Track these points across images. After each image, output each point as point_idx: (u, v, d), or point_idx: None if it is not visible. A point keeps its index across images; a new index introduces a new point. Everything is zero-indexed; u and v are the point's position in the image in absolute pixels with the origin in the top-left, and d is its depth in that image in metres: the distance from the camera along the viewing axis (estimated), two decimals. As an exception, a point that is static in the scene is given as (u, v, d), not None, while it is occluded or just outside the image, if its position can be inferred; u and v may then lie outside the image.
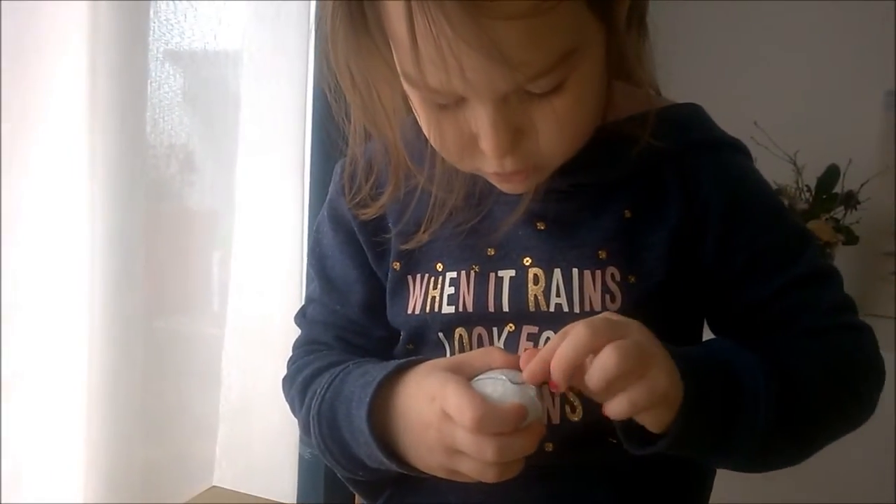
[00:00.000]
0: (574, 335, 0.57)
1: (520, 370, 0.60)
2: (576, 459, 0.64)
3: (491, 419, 0.57)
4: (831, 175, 1.77)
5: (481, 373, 0.63)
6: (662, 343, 0.61)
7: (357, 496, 0.98)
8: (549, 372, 0.58)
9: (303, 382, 0.77)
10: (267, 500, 0.78)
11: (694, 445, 0.64)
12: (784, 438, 0.65)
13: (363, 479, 0.74)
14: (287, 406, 1.44)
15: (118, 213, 1.16)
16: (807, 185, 1.79)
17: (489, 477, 0.60)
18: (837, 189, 1.77)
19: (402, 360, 0.68)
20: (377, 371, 0.68)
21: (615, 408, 0.58)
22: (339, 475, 0.76)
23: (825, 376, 0.67)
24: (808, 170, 1.78)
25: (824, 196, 1.78)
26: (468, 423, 0.57)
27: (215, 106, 1.41)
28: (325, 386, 0.72)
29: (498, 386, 0.60)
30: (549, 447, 0.68)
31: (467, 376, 0.62)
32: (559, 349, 0.57)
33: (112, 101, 1.08)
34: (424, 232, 0.73)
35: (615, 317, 0.61)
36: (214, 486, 0.79)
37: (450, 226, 0.73)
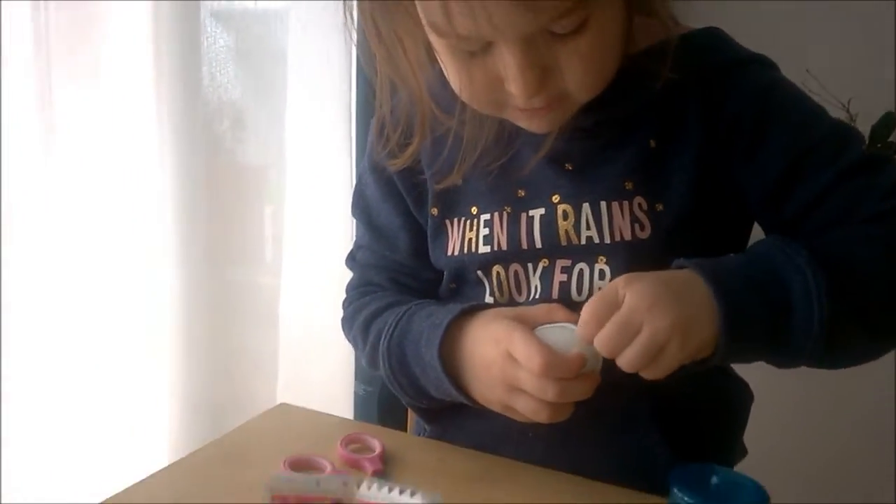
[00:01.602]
0: (598, 341, 0.62)
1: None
2: (615, 376, 0.67)
3: (556, 366, 0.63)
4: (886, 122, 1.72)
5: (542, 325, 0.68)
6: (702, 269, 0.63)
7: (408, 427, 1.03)
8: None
9: (364, 322, 0.82)
10: (333, 415, 0.84)
11: (748, 355, 0.67)
12: (852, 330, 0.65)
13: (426, 407, 0.80)
14: (341, 347, 1.53)
15: (182, 169, 1.26)
16: (861, 133, 1.74)
17: (542, 417, 0.67)
18: (893, 137, 1.73)
19: (466, 305, 0.73)
20: (443, 314, 0.73)
21: (623, 365, 0.62)
22: (403, 402, 0.82)
23: (890, 259, 0.65)
24: (863, 118, 1.73)
25: (879, 144, 1.73)
26: (536, 368, 0.63)
27: (264, 62, 1.46)
28: (392, 325, 0.77)
29: (564, 334, 0.66)
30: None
31: (530, 326, 0.67)
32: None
33: (172, 55, 1.15)
34: (457, 172, 0.76)
35: (638, 301, 0.61)
36: (283, 403, 0.85)
37: (480, 166, 0.76)
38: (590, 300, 0.64)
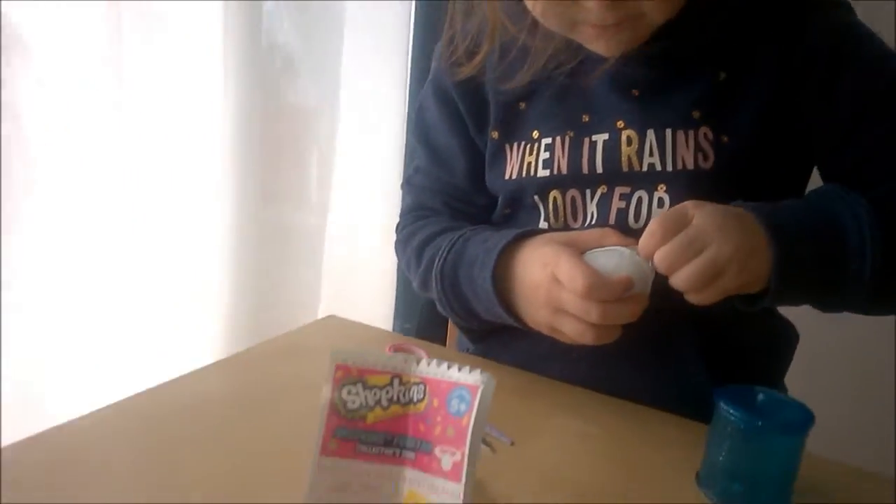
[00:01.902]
0: (659, 256, 0.63)
1: (635, 249, 0.66)
2: (662, 306, 0.68)
3: (599, 288, 0.64)
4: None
5: (593, 249, 0.69)
6: (758, 212, 0.64)
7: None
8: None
9: (419, 245, 0.84)
10: (380, 328, 0.87)
11: (795, 300, 0.69)
12: None
13: (475, 328, 0.82)
14: (381, 285, 1.56)
15: (240, 109, 1.30)
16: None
17: (587, 339, 0.68)
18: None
19: (520, 230, 0.74)
20: (498, 238, 0.75)
21: (690, 300, 0.63)
22: (453, 322, 0.85)
23: None
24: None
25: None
26: (579, 289, 0.65)
27: (322, 4, 1.48)
28: (447, 249, 0.79)
29: (613, 257, 0.66)
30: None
31: (579, 250, 0.68)
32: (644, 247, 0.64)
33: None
34: (524, 75, 0.76)
35: (705, 223, 0.62)
36: (332, 315, 0.88)
37: (547, 71, 0.76)
38: (659, 215, 0.65)
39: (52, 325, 1.09)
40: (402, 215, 0.92)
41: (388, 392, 0.49)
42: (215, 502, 0.54)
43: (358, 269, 1.59)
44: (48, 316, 1.09)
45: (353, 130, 1.59)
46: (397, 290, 1.64)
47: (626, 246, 0.67)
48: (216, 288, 1.38)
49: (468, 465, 0.45)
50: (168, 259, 1.28)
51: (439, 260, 0.79)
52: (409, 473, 0.48)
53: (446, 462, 0.46)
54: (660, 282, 0.66)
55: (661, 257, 0.62)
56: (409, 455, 0.49)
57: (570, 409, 0.73)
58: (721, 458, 0.60)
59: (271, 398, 0.70)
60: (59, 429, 0.61)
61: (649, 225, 0.64)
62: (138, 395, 0.68)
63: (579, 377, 0.76)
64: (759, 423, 0.58)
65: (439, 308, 0.83)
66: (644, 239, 0.64)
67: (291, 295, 1.51)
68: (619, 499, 0.60)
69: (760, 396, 0.60)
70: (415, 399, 0.49)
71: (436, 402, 0.48)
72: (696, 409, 0.71)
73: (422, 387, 0.49)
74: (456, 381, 0.48)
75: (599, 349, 0.70)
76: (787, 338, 0.83)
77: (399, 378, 0.50)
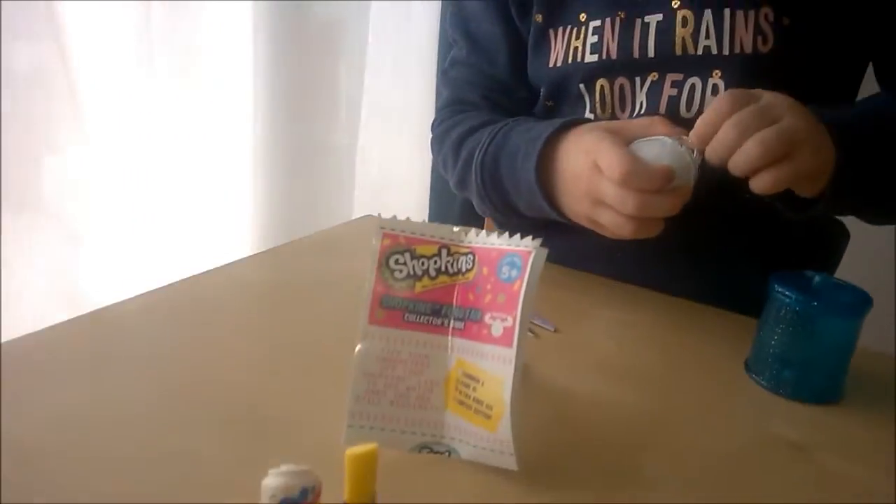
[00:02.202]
0: (722, 132, 0.57)
1: (681, 138, 0.61)
2: (710, 206, 0.65)
3: (637, 175, 0.59)
4: None
5: (640, 138, 0.64)
6: (817, 115, 0.60)
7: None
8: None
9: (457, 139, 0.81)
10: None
11: (848, 208, 0.66)
12: None
13: (514, 226, 0.79)
14: (417, 192, 1.54)
15: (270, 25, 1.28)
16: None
17: (626, 232, 0.63)
18: None
19: (566, 119, 0.69)
20: (542, 128, 0.70)
21: (757, 184, 0.58)
22: (492, 218, 0.82)
23: None
24: None
25: None
26: (616, 176, 0.60)
27: None
28: (488, 140, 0.75)
29: (655, 146, 0.62)
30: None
31: (625, 140, 0.63)
32: (703, 130, 0.59)
33: None
34: None
35: (776, 100, 0.59)
36: (368, 215, 0.87)
37: None
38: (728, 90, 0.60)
39: (91, 229, 1.10)
40: (438, 111, 0.89)
41: (435, 262, 0.48)
42: (255, 385, 0.54)
43: (391, 186, 1.58)
44: (88, 223, 1.10)
45: (382, 42, 1.55)
46: (430, 204, 1.63)
47: (674, 136, 0.63)
48: (248, 209, 1.38)
49: (520, 329, 0.44)
50: (197, 180, 1.29)
51: (479, 152, 0.76)
52: (458, 343, 0.48)
53: (497, 328, 0.45)
54: (712, 176, 0.63)
55: (732, 123, 0.56)
56: (458, 325, 0.48)
57: (615, 302, 0.72)
58: (773, 343, 0.58)
59: (310, 289, 0.70)
60: (93, 314, 0.61)
61: (719, 96, 0.59)
62: (176, 283, 0.67)
63: (622, 276, 0.75)
64: (815, 304, 0.56)
65: (477, 206, 0.81)
66: (707, 113, 0.59)
67: (324, 209, 1.51)
68: (665, 384, 0.59)
69: (816, 279, 0.58)
70: (463, 269, 0.48)
71: (485, 271, 0.47)
72: (744, 308, 0.69)
73: (470, 257, 0.48)
74: (507, 248, 0.46)
75: (643, 247, 0.67)
76: (837, 237, 0.80)
77: (447, 248, 0.48)
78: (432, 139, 0.88)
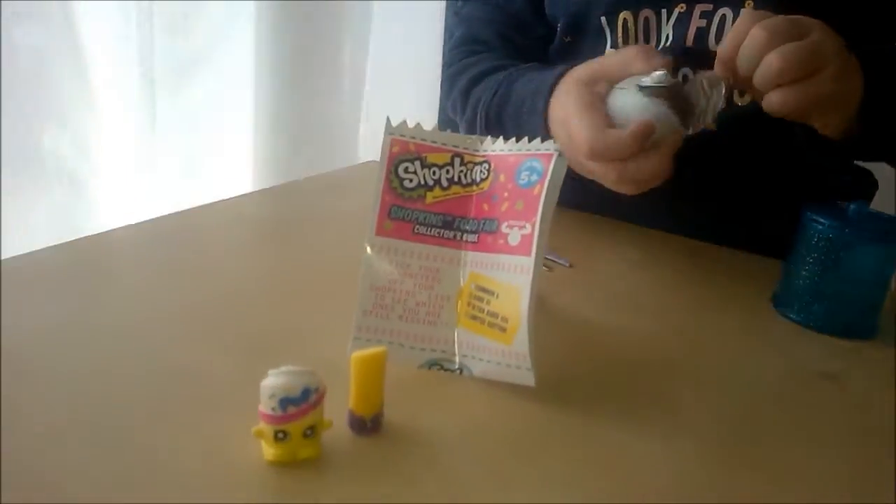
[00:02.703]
0: (750, 37, 0.52)
1: (664, 71, 0.53)
2: (738, 141, 0.62)
3: (605, 149, 0.52)
4: None
5: (620, 80, 0.56)
6: (847, 45, 0.56)
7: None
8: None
9: (467, 85, 0.77)
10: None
11: (875, 148, 0.62)
12: None
13: None
14: None
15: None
16: None
17: (625, 191, 0.57)
18: None
19: (560, 69, 0.64)
20: (543, 78, 0.65)
21: (771, 101, 0.53)
22: None
23: None
24: None
25: None
26: (584, 153, 0.54)
27: None
28: (492, 92, 0.72)
29: (627, 99, 0.54)
30: (713, 127, 0.67)
31: (608, 86, 0.56)
32: (729, 44, 0.53)
33: None
34: None
35: (804, 19, 0.54)
36: (376, 161, 0.84)
37: None
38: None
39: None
40: (450, 51, 0.85)
41: (448, 172, 0.45)
42: (257, 307, 0.51)
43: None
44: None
45: (387, 12, 1.52)
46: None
47: (654, 72, 0.54)
48: (249, 183, 1.36)
49: (539, 237, 0.41)
50: (197, 156, 1.27)
51: (483, 105, 0.73)
52: (471, 256, 0.45)
53: (514, 237, 0.42)
54: (739, 117, 0.59)
55: (764, 25, 0.52)
56: (471, 238, 0.45)
57: (631, 242, 0.69)
58: (804, 274, 0.55)
59: (313, 224, 0.67)
60: (95, 237, 0.58)
61: (737, 20, 0.54)
62: (178, 212, 0.65)
63: (641, 222, 0.72)
64: (848, 231, 0.53)
65: None
66: (730, 36, 0.54)
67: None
68: (686, 318, 0.56)
69: (851, 208, 0.55)
70: (478, 179, 0.45)
71: (502, 178, 0.44)
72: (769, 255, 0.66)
73: (486, 165, 0.45)
74: (527, 153, 0.43)
75: (657, 198, 0.63)
76: (865, 185, 0.77)
77: (460, 157, 0.45)
78: (442, 80, 0.84)
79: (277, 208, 0.71)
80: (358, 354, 0.37)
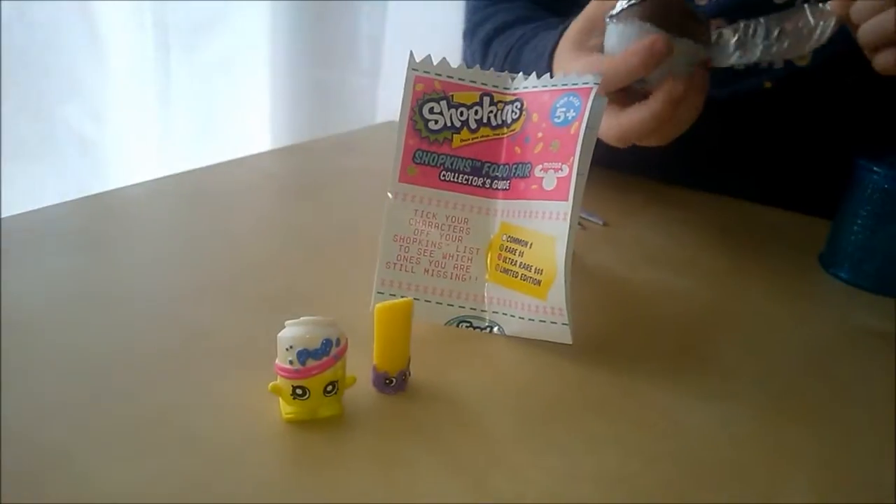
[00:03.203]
0: None
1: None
2: (798, 97, 0.57)
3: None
4: None
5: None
6: None
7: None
8: None
9: (486, 37, 0.74)
10: None
11: None
12: None
13: None
14: None
15: None
16: None
17: (652, 142, 0.52)
18: None
19: (559, 31, 0.59)
20: (544, 45, 0.61)
21: (882, 60, 0.48)
22: None
23: None
24: None
25: None
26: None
27: None
28: (504, 54, 0.69)
29: (611, 38, 0.49)
30: (767, 85, 0.63)
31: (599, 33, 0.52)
32: None
33: None
34: None
35: None
36: (392, 120, 0.81)
37: None
38: None
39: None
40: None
41: (476, 112, 0.42)
42: (272, 263, 0.48)
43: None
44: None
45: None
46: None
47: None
48: (267, 140, 1.33)
49: (577, 179, 0.38)
50: (213, 125, 1.24)
51: (496, 65, 0.70)
52: (502, 205, 0.41)
53: (549, 181, 0.39)
54: (799, 77, 0.52)
55: None
56: (502, 185, 0.42)
57: (669, 201, 0.66)
58: (855, 229, 0.51)
59: (331, 181, 0.64)
60: (106, 194, 0.56)
61: None
62: (193, 170, 0.62)
63: (684, 183, 0.68)
64: None
65: None
66: None
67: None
68: (728, 277, 0.52)
69: None
70: (508, 121, 0.42)
71: (535, 117, 0.40)
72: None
73: (517, 104, 0.41)
74: (562, 88, 0.40)
75: (697, 153, 0.59)
76: None
77: (490, 96, 0.42)
78: (464, 31, 0.81)
79: (295, 166, 0.68)
80: (382, 305, 0.34)
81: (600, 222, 0.59)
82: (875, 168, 0.49)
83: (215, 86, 1.23)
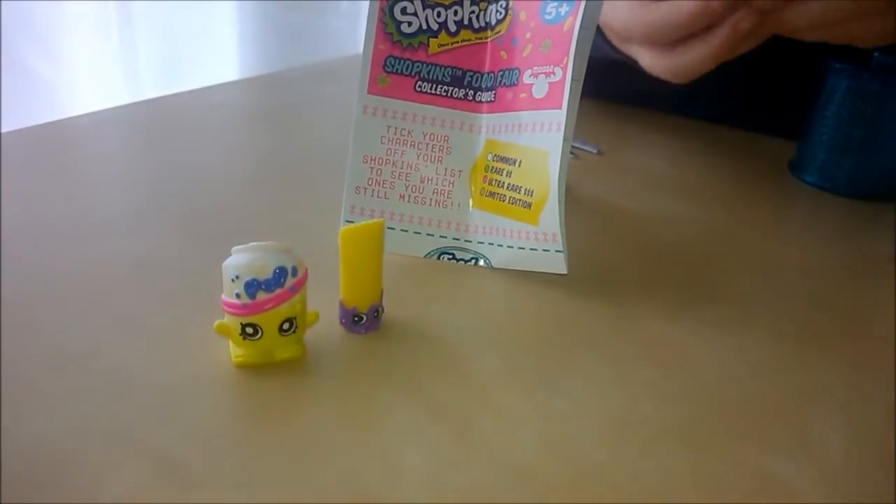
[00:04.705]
0: None
1: None
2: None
3: (643, 30, 0.45)
4: None
5: None
6: None
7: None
8: None
9: None
10: None
11: None
12: None
13: None
14: None
15: None
16: None
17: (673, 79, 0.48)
18: None
19: None
20: None
21: None
22: None
23: None
24: None
25: None
26: (617, 32, 0.47)
27: None
28: None
29: None
30: None
31: None
32: None
33: None
34: None
35: None
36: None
37: None
38: None
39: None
40: None
41: (456, 12, 0.36)
42: (236, 196, 0.43)
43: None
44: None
45: None
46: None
47: None
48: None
49: (572, 83, 0.33)
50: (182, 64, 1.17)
51: None
52: (487, 120, 0.36)
53: (540, 87, 0.34)
54: None
55: None
56: (486, 96, 0.36)
57: (666, 128, 0.61)
58: (825, 129, 0.47)
59: (302, 111, 0.58)
60: (61, 122, 0.50)
61: None
62: (154, 98, 0.56)
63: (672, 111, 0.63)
64: (877, 75, 0.44)
65: None
66: None
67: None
68: (730, 201, 0.48)
69: (876, 56, 0.46)
70: (493, 22, 0.36)
71: (523, 16, 0.35)
72: None
73: (502, 3, 0.36)
74: (552, -21, 0.34)
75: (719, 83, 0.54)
76: None
77: (470, -6, 0.36)
78: None
79: (263, 96, 0.62)
80: (347, 228, 0.29)
81: (594, 151, 0.54)
82: (845, 65, 0.45)
83: (180, 27, 1.16)
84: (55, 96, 0.98)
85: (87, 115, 0.52)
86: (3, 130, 0.47)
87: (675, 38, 0.45)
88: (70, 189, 0.41)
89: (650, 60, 0.47)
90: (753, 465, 0.25)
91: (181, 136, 0.51)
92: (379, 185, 0.36)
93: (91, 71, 1.02)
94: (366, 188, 0.36)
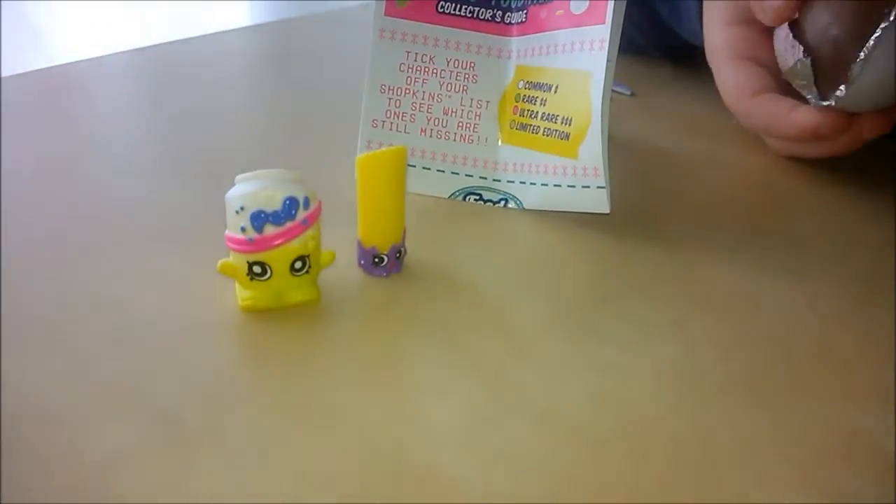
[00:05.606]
0: None
1: None
2: None
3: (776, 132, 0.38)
4: None
5: None
6: None
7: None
8: None
9: None
10: None
11: None
12: None
13: None
14: None
15: None
16: None
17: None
18: None
19: None
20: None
21: None
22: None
23: None
24: None
25: None
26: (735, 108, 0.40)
27: None
28: None
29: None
30: None
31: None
32: None
33: None
34: None
35: None
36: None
37: None
38: None
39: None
40: None
41: (483, -77, 0.32)
42: (245, 142, 0.39)
43: None
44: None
45: None
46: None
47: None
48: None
49: (617, -3, 0.29)
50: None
51: None
52: (517, 44, 0.33)
53: (578, 3, 0.30)
54: None
55: None
56: (517, 17, 0.33)
57: (701, 71, 0.56)
58: None
59: (313, 58, 0.55)
60: (63, 67, 0.47)
61: None
62: (157, 45, 0.53)
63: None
64: None
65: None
66: None
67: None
68: (756, 139, 0.44)
69: None
70: (524, -67, 0.33)
71: (560, -78, 0.31)
72: None
73: (535, -89, 0.32)
74: None
75: None
76: None
77: None
78: None
79: (275, 42, 0.59)
80: (366, 155, 0.25)
81: (628, 92, 0.50)
82: None
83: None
84: (59, 43, 0.94)
85: (91, 59, 0.49)
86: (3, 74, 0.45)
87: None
88: (72, 132, 0.38)
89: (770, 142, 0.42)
90: (837, 421, 0.22)
91: (188, 81, 0.47)
92: (398, 117, 0.32)
93: (96, 16, 0.98)
94: (384, 121, 0.32)
